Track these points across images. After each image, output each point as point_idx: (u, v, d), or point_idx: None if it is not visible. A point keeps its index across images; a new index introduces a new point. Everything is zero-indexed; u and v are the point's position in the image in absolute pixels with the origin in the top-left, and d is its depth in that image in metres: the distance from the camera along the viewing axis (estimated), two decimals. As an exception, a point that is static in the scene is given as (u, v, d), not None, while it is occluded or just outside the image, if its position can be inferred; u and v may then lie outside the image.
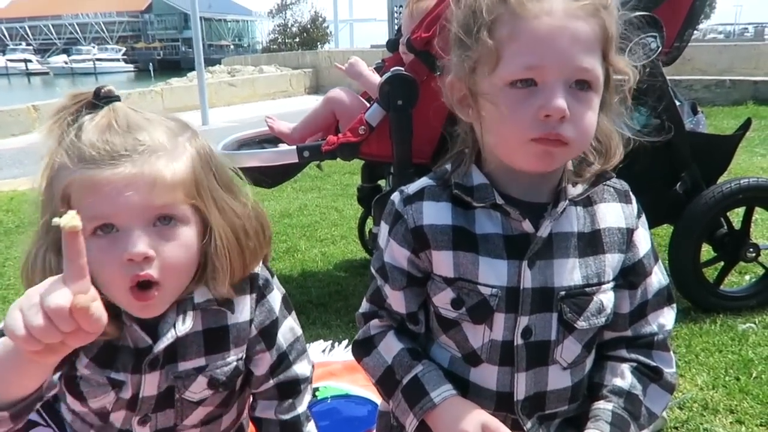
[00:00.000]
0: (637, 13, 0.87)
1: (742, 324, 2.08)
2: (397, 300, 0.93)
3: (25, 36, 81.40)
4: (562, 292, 0.85)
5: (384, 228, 0.94)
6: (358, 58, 2.35)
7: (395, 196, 0.93)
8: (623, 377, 0.90)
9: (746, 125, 2.18)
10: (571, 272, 0.86)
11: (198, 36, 7.97)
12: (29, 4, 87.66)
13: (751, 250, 2.16)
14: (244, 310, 0.98)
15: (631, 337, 0.92)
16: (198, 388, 0.96)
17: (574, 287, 0.86)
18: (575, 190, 0.87)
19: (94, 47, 67.61)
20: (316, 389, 1.74)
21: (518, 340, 0.85)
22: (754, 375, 1.78)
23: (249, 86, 11.94)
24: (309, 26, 33.53)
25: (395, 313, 0.94)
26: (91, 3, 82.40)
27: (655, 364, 0.91)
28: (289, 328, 1.05)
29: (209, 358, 0.96)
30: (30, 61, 58.77)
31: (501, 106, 0.79)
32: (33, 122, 7.84)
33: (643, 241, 0.92)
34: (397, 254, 0.91)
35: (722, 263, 2.24)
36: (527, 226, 0.85)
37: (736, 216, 2.24)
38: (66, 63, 60.72)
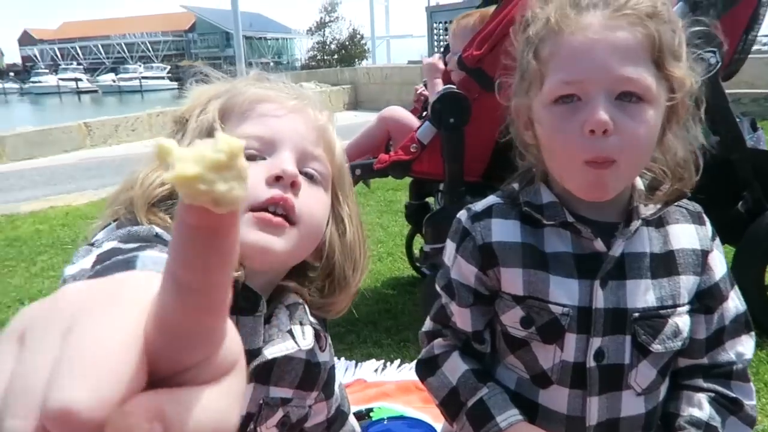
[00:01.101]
0: (696, 29, 0.86)
1: (812, 350, 1.98)
2: (463, 318, 0.93)
3: (76, 56, 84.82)
4: (636, 314, 0.84)
5: (450, 246, 0.93)
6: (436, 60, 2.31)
7: (462, 214, 0.94)
8: (701, 408, 0.86)
9: (811, 142, 2.10)
10: (644, 293, 0.84)
11: (241, 54, 8.16)
12: (80, 26, 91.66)
13: (820, 272, 2.06)
14: (329, 348, 0.90)
15: (707, 366, 0.89)
16: (271, 423, 0.83)
17: (648, 309, 0.84)
18: (647, 210, 0.86)
19: (140, 66, 69.93)
20: (370, 410, 1.73)
21: (591, 363, 0.84)
22: (829, 405, 1.69)
23: None
24: (347, 43, 33.97)
25: (460, 332, 0.94)
26: (138, 24, 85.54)
27: (734, 395, 0.87)
28: (338, 377, 0.98)
29: (297, 393, 0.84)
30: (80, 79, 61.14)
31: (547, 124, 0.80)
32: (84, 138, 8.13)
33: (718, 263, 0.90)
34: (464, 271, 0.91)
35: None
36: (599, 245, 0.84)
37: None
38: (114, 81, 62.93)
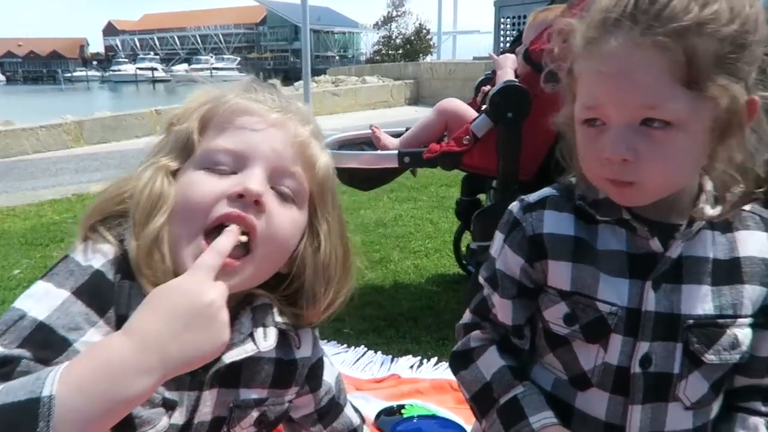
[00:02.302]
0: None
1: None
2: (504, 310, 0.90)
3: (154, 46, 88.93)
4: (690, 321, 0.79)
5: (499, 237, 0.91)
6: (512, 56, 2.22)
7: (514, 205, 0.91)
8: None
9: None
10: (702, 300, 0.79)
11: (307, 47, 8.23)
12: (160, 18, 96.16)
13: None
14: (307, 344, 0.91)
15: None
16: (247, 424, 0.86)
17: (705, 317, 0.79)
18: (713, 212, 0.80)
19: (212, 57, 72.47)
20: (401, 406, 1.69)
21: (635, 368, 0.79)
22: None
23: (351, 96, 12.26)
24: (413, 38, 33.94)
25: (500, 325, 0.91)
26: (213, 16, 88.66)
27: None
28: (332, 369, 0.99)
29: (272, 392, 0.87)
30: (156, 69, 64.10)
31: (578, 140, 0.80)
32: (155, 125, 8.46)
33: None
34: (510, 262, 0.88)
35: None
36: (655, 244, 0.80)
37: None
38: (186, 71, 65.53)
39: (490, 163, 1.95)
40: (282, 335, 0.84)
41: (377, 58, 33.01)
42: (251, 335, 0.80)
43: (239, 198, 0.74)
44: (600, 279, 0.80)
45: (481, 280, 0.95)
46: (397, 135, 2.37)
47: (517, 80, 1.89)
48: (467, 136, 1.92)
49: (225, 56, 74.34)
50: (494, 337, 0.92)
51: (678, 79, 0.69)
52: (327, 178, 0.86)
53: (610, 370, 0.80)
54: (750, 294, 0.80)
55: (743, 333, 0.80)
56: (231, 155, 0.76)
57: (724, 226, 0.83)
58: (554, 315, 0.84)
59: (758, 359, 0.82)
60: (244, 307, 0.82)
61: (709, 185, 0.82)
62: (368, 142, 2.49)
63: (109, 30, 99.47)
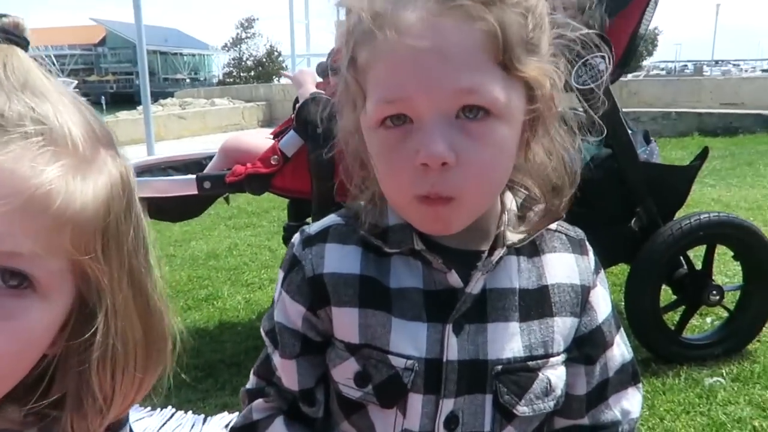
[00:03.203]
0: (584, 31, 0.71)
1: (709, 378, 1.86)
2: (288, 372, 0.72)
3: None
4: (499, 367, 0.67)
5: (279, 278, 0.73)
6: (309, 70, 2.07)
7: (296, 237, 0.74)
8: None
9: (704, 155, 2.01)
10: (510, 340, 0.68)
11: (144, 67, 7.65)
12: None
13: (714, 292, 1.96)
14: None
15: (589, 428, 0.75)
16: None
17: (514, 360, 0.68)
18: (516, 235, 0.69)
19: (44, 80, 66.50)
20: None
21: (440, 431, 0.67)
22: (728, 444, 1.54)
23: (200, 119, 11.87)
24: (264, 60, 33.64)
25: (286, 391, 0.73)
26: (45, 36, 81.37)
27: None
28: None
29: None
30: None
31: (374, 151, 0.64)
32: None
33: (602, 302, 0.74)
34: (290, 311, 0.72)
35: (683, 307, 2.03)
36: (453, 279, 0.67)
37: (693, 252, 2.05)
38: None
39: (305, 185, 1.76)
40: None
41: (229, 80, 32.29)
42: None
43: None
44: (392, 326, 0.67)
45: (262, 333, 0.77)
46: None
47: (323, 92, 1.72)
48: (275, 156, 1.73)
49: (61, 78, 68.50)
50: (281, 406, 0.75)
51: (492, 56, 0.57)
52: (101, 220, 0.53)
53: None
54: (561, 328, 0.71)
55: (556, 375, 0.70)
56: None
57: (530, 249, 0.72)
58: (343, 374, 0.70)
59: (575, 398, 0.73)
60: None
61: (511, 203, 0.70)
62: (177, 167, 2.19)
63: None
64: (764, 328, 2.05)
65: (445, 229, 0.65)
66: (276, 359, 0.73)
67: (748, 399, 1.73)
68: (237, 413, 1.69)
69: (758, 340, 2.05)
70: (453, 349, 0.66)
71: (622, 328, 0.77)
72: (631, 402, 0.77)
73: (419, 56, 0.58)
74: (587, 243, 0.77)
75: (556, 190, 0.69)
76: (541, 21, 0.62)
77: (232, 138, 1.99)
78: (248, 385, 0.79)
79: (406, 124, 0.60)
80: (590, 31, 0.77)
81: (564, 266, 0.73)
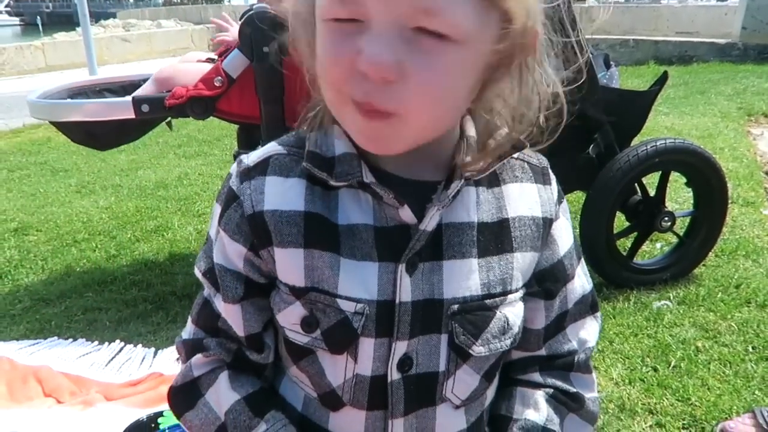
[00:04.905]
0: None
1: (657, 301, 1.91)
2: (233, 317, 0.67)
3: None
4: (455, 306, 0.64)
5: (216, 212, 0.67)
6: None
7: (233, 168, 0.67)
8: (537, 408, 0.72)
9: (663, 80, 1.98)
10: (467, 278, 0.64)
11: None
12: None
13: (667, 218, 1.98)
14: None
15: (545, 357, 0.74)
16: None
17: (471, 299, 0.64)
18: (476, 165, 0.63)
19: (-29, -3, 60.97)
20: (159, 414, 1.38)
21: (394, 374, 0.64)
22: (672, 364, 1.59)
23: (145, 42, 11.24)
24: (214, -21, 31.62)
25: (228, 340, 0.69)
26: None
27: (575, 390, 0.74)
28: None
29: None
30: None
31: (319, 42, 0.57)
32: None
33: (564, 234, 0.71)
34: (230, 251, 0.66)
35: (635, 234, 2.06)
36: (406, 215, 0.62)
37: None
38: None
39: (252, 109, 1.64)
40: None
41: (176, 0, 30.28)
42: None
43: None
44: (341, 268, 0.62)
45: (198, 274, 0.70)
46: None
47: (269, 6, 1.58)
48: (219, 77, 1.59)
49: (-11, -3, 63.01)
50: (224, 357, 0.70)
51: None
52: None
53: (364, 384, 0.64)
54: (520, 264, 0.67)
55: (514, 312, 0.67)
56: None
57: (490, 178, 0.67)
58: (289, 320, 0.65)
59: (532, 332, 0.72)
60: None
61: (471, 129, 0.64)
62: (114, 89, 2.02)
63: None
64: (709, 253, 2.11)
65: (385, 148, 0.59)
66: (219, 304, 0.68)
67: (692, 321, 1.79)
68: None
69: (704, 265, 2.11)
70: (406, 290, 0.62)
71: (582, 259, 0.74)
72: (588, 331, 0.76)
73: None
74: (550, 171, 0.72)
75: (523, 116, 0.63)
76: None
77: (165, 68, 1.81)
78: (185, 335, 0.73)
79: (359, 22, 0.53)
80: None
81: (526, 197, 0.69)
